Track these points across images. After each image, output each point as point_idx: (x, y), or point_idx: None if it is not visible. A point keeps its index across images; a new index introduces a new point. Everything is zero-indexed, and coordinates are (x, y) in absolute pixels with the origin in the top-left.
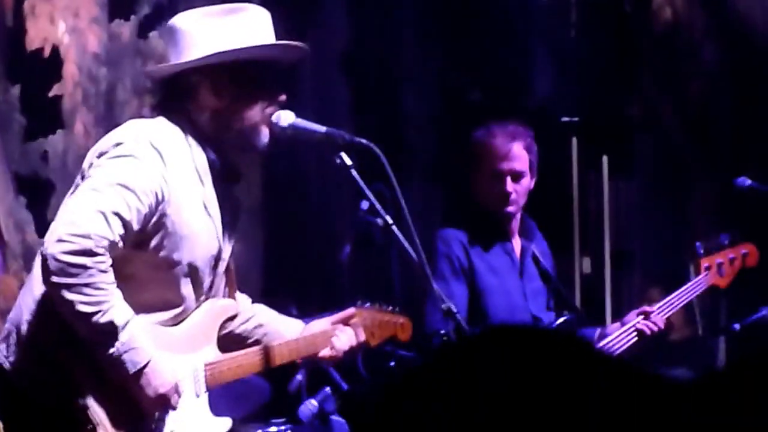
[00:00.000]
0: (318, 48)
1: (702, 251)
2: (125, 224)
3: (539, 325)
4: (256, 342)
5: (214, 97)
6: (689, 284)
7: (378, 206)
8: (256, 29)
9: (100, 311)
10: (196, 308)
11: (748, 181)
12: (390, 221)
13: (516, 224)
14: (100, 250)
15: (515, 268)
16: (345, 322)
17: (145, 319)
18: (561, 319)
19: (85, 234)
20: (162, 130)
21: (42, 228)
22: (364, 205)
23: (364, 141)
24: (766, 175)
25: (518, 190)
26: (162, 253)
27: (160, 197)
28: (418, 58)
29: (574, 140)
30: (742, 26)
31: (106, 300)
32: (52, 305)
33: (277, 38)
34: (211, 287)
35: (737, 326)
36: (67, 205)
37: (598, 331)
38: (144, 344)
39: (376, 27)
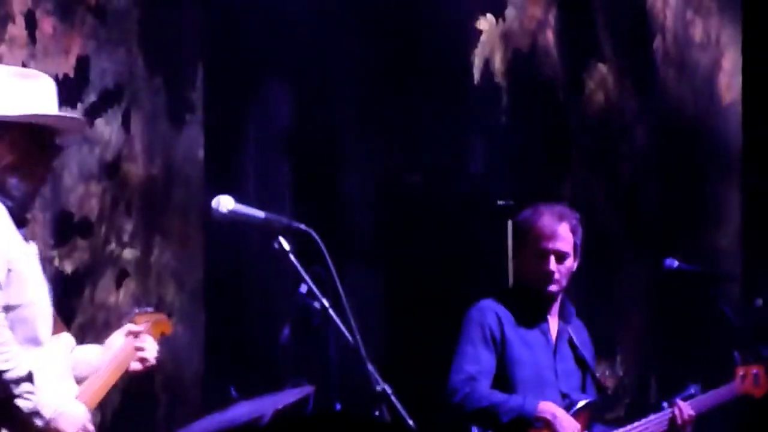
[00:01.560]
0: (259, 128)
1: (740, 360)
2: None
3: (568, 402)
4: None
5: (8, 151)
6: (722, 388)
7: (316, 289)
8: (49, 96)
9: (17, 365)
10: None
11: (676, 262)
12: (327, 304)
13: (556, 305)
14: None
15: (549, 347)
16: (135, 333)
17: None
18: (586, 401)
19: None
20: None
21: None
22: (303, 288)
23: (302, 226)
24: (692, 255)
25: (561, 271)
26: (16, 299)
27: (5, 248)
28: (356, 140)
29: (509, 223)
30: (671, 110)
31: (17, 353)
32: None
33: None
34: (49, 326)
35: (665, 404)
36: None
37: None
38: (48, 388)
39: (317, 108)
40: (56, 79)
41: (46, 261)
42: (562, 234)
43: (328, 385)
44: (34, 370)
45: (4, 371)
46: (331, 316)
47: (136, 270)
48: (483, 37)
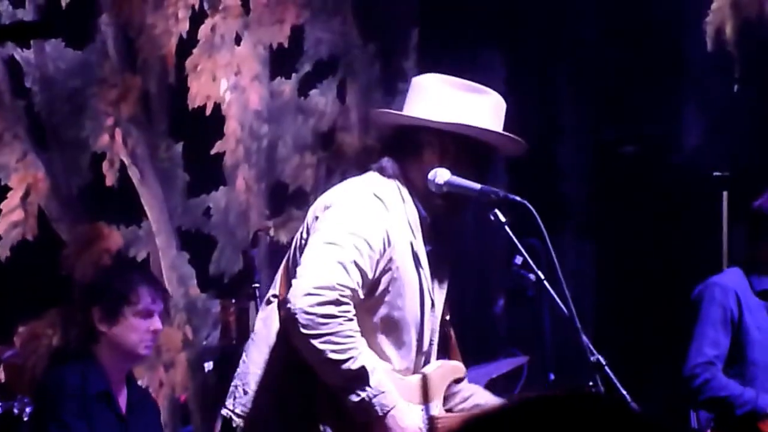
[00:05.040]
0: None
1: None
2: (362, 272)
3: None
4: None
5: (438, 159)
6: None
7: (530, 261)
8: (490, 112)
9: (351, 358)
10: (427, 364)
11: None
12: (542, 276)
13: None
14: (345, 299)
15: None
16: None
17: (383, 366)
18: None
19: (330, 285)
20: (380, 182)
21: (204, 282)
22: (518, 260)
23: (517, 198)
24: None
25: None
26: (388, 298)
27: (386, 243)
28: (571, 111)
29: (725, 194)
30: None
31: (354, 347)
32: (285, 359)
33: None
34: (423, 339)
35: None
36: (306, 261)
37: None
38: (390, 389)
39: (532, 78)
40: (270, 49)
41: (262, 232)
42: None
43: (542, 355)
44: (371, 367)
45: (338, 361)
46: (545, 288)
47: None
48: (714, 6)
